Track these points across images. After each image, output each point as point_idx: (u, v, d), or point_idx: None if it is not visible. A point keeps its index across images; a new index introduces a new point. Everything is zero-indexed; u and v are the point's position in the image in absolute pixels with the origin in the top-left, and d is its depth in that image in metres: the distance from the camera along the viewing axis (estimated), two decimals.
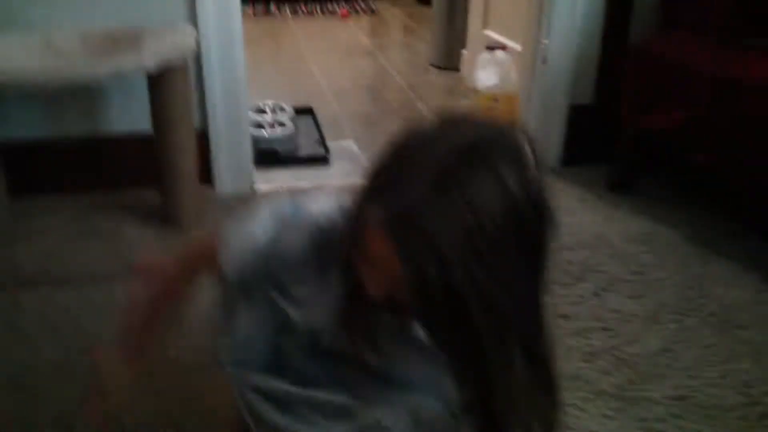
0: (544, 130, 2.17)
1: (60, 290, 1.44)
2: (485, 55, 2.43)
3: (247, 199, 1.88)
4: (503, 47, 2.43)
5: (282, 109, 2.30)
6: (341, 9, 4.38)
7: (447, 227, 0.58)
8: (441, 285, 0.59)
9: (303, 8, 4.44)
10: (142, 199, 1.83)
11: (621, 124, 1.98)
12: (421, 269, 0.59)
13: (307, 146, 2.23)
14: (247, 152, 1.97)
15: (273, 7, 4.40)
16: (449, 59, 3.24)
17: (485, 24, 2.84)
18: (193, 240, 1.00)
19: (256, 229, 0.83)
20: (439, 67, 3.29)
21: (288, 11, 4.40)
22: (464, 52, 3.10)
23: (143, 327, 0.93)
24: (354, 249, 0.68)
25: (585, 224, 1.80)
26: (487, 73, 2.36)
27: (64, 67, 1.56)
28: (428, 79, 3.15)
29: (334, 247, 0.74)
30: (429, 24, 3.91)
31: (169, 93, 1.64)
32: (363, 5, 4.54)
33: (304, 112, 2.45)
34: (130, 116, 1.88)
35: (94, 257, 1.59)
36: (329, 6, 4.50)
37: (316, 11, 4.41)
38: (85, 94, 1.87)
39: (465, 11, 3.06)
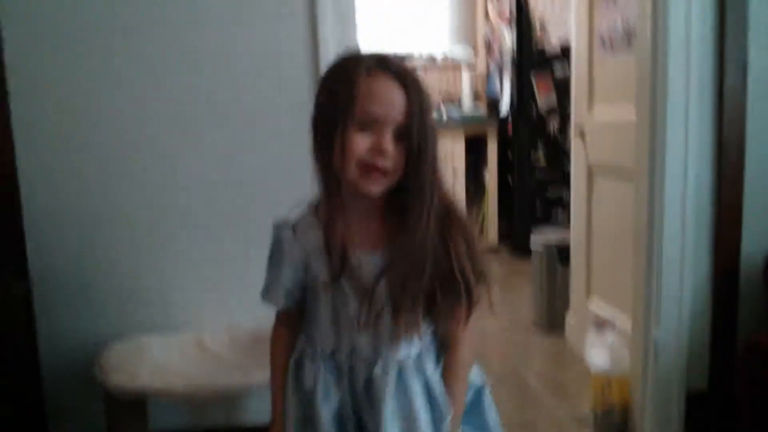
0: (661, 417, 2.16)
1: None
2: (594, 334, 2.49)
3: None
4: (611, 326, 2.49)
5: None
6: None
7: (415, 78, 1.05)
8: (422, 108, 1.04)
9: None
10: None
11: (741, 413, 1.95)
12: (415, 94, 1.03)
13: None
14: None
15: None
16: (553, 322, 3.31)
17: (588, 294, 2.93)
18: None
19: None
20: (541, 329, 3.36)
21: None
22: (568, 316, 3.17)
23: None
24: (348, 116, 1.02)
25: None
26: (597, 354, 2.39)
27: (217, 377, 1.71)
28: (532, 343, 3.21)
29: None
30: (529, 281, 4.05)
31: None
32: None
33: None
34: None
35: None
36: None
37: None
38: None
39: (566, 277, 3.18)
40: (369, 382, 1.13)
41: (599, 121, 2.75)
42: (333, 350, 1.15)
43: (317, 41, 1.92)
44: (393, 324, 1.09)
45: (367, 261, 1.10)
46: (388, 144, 1.03)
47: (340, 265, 1.09)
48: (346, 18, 1.96)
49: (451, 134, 4.87)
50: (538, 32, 4.47)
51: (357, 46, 1.98)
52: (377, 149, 1.03)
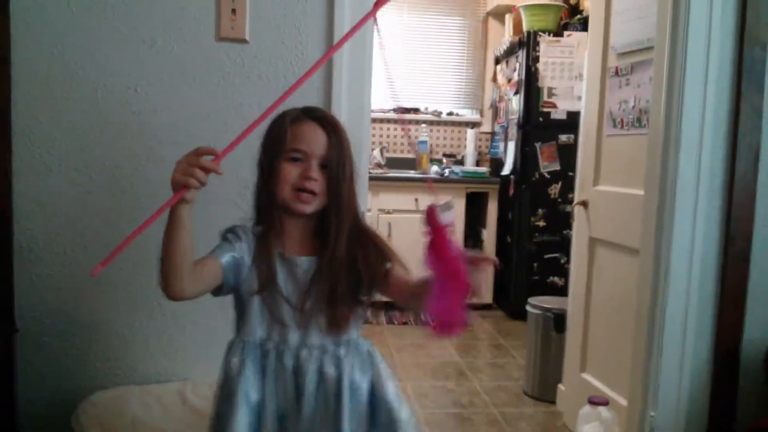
0: None
1: None
2: (588, 410, 2.45)
3: None
4: (605, 402, 2.45)
5: None
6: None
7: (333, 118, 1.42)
8: (340, 146, 1.37)
9: (397, 318, 4.66)
10: None
11: None
12: (334, 135, 1.37)
13: None
14: None
15: (369, 313, 4.62)
16: (544, 391, 3.27)
17: (583, 367, 2.90)
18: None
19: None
20: (533, 397, 3.31)
21: (384, 319, 4.63)
22: (561, 387, 3.13)
23: None
24: (281, 152, 1.35)
25: None
26: (590, 430, 2.35)
27: None
28: (523, 413, 3.16)
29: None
30: (522, 345, 4.02)
31: None
32: None
33: None
34: None
35: None
36: (423, 317, 4.71)
37: (410, 321, 4.61)
38: None
39: (560, 345, 3.15)
40: (296, 368, 1.35)
41: (604, 195, 2.75)
42: (261, 341, 1.36)
43: (330, 100, 1.92)
44: (328, 323, 1.36)
45: (303, 261, 1.37)
46: (314, 171, 1.35)
47: (267, 276, 1.34)
48: (362, 80, 1.97)
49: (452, 190, 4.89)
50: (544, 99, 4.53)
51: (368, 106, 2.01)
52: (305, 175, 1.35)
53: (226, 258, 1.32)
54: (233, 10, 1.87)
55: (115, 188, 1.91)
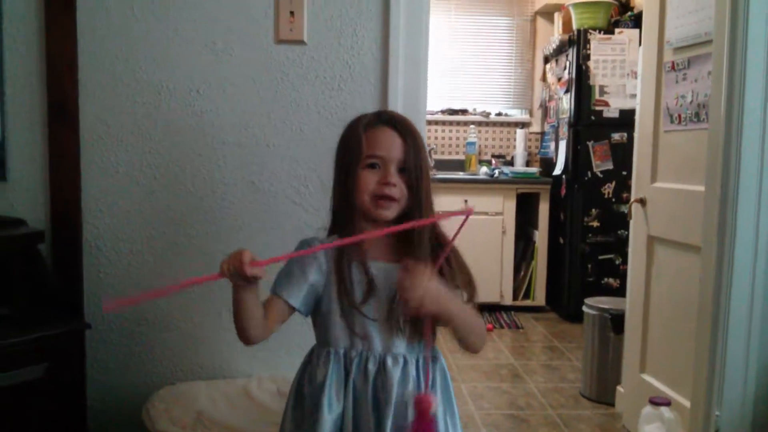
0: None
1: None
2: (649, 410, 2.41)
3: None
4: (668, 402, 2.41)
5: None
6: (487, 323, 4.56)
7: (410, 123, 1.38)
8: (416, 148, 1.33)
9: None
10: None
11: None
12: (409, 138, 1.33)
13: None
14: None
15: None
16: (602, 392, 3.22)
17: (643, 368, 2.85)
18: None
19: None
20: (590, 399, 3.27)
21: None
22: (620, 388, 3.08)
23: None
24: (358, 159, 1.32)
25: None
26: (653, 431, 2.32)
27: (259, 428, 1.70)
28: (581, 414, 3.12)
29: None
30: (577, 347, 3.97)
31: None
32: (507, 319, 4.69)
33: None
34: None
35: None
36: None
37: None
38: None
39: (618, 346, 3.11)
40: (377, 376, 1.29)
41: (663, 192, 2.71)
42: (345, 350, 1.31)
43: (386, 103, 1.95)
44: (411, 332, 1.31)
45: (383, 268, 1.31)
46: (393, 176, 1.31)
47: (345, 290, 1.29)
48: (417, 82, 1.99)
49: (503, 191, 4.86)
50: (596, 98, 4.48)
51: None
52: (384, 181, 1.30)
53: (299, 301, 1.31)
54: (291, 12, 1.90)
55: (178, 188, 1.96)
